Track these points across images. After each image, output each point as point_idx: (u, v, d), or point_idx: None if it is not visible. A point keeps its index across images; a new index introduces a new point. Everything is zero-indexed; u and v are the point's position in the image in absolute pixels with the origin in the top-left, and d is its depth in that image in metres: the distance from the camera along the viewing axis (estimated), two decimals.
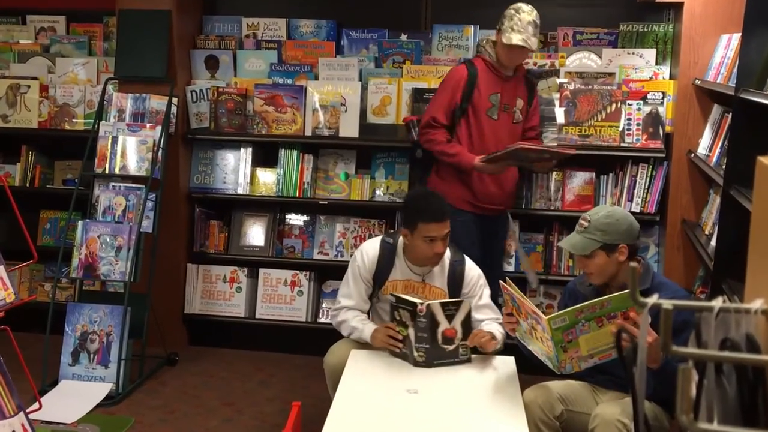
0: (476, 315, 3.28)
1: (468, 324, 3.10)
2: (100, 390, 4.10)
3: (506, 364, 3.08)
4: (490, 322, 3.28)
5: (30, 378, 2.21)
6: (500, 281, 2.92)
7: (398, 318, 3.13)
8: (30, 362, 2.34)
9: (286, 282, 4.81)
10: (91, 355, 4.29)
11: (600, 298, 2.63)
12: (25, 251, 2.21)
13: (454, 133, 4.04)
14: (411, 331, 3.06)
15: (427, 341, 3.03)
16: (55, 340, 4.32)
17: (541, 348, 2.79)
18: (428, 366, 3.03)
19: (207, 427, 3.89)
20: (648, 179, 4.37)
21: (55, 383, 4.24)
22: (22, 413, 2.07)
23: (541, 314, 2.68)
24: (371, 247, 3.41)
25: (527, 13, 3.85)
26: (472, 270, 3.38)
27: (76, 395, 4.13)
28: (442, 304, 3.05)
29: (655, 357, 2.62)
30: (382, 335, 3.15)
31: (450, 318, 3.04)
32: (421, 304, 3.03)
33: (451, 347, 3.06)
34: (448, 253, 3.33)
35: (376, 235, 4.52)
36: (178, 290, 4.87)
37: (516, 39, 3.81)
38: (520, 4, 3.91)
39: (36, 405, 2.15)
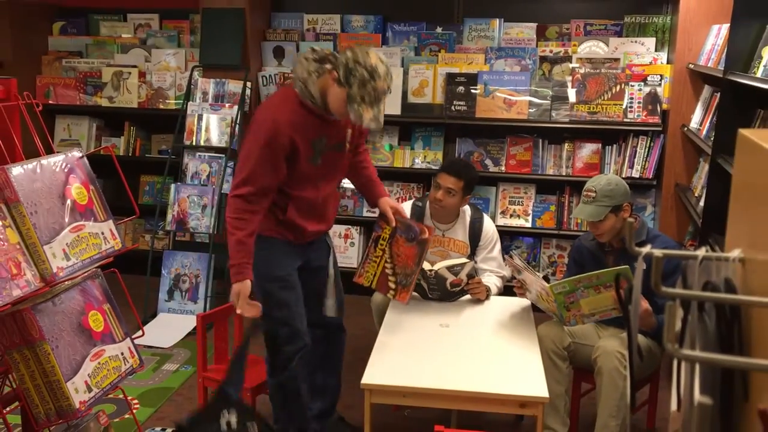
0: (482, 265, 3.24)
1: (472, 273, 3.09)
2: (191, 321, 4.19)
3: (523, 304, 3.09)
4: (491, 275, 3.22)
5: (134, 311, 2.28)
6: (505, 256, 2.87)
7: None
8: (134, 298, 2.41)
9: (341, 235, 4.84)
10: (183, 293, 4.40)
11: (592, 272, 2.60)
12: (129, 208, 2.25)
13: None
14: (424, 284, 3.05)
15: (439, 290, 3.06)
16: (154, 281, 4.44)
17: (548, 307, 2.78)
18: (444, 301, 3.08)
19: None
20: (647, 149, 4.30)
21: (154, 315, 4.36)
22: (128, 339, 2.13)
23: (543, 282, 2.68)
24: (404, 209, 3.37)
25: (383, 79, 2.37)
26: (488, 226, 3.28)
27: (171, 325, 4.25)
28: (448, 268, 2.98)
29: (648, 322, 2.63)
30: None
31: (456, 273, 3.01)
32: (430, 270, 2.97)
33: (459, 288, 3.07)
34: (469, 212, 3.26)
35: (415, 197, 4.53)
36: None
37: (367, 119, 2.35)
38: (374, 62, 2.36)
39: (140, 332, 2.22)
